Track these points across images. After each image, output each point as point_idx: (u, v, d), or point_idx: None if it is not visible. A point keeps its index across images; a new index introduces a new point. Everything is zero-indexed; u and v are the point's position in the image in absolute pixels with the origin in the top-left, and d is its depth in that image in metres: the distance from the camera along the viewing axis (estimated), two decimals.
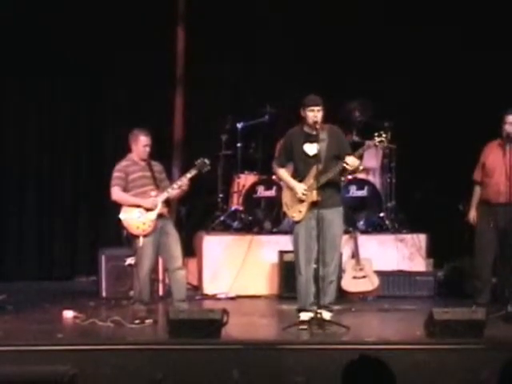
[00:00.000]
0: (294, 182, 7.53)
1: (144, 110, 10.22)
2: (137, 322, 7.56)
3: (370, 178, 10.01)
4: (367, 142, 7.72)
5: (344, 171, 7.62)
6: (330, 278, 7.42)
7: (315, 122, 7.35)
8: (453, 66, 10.22)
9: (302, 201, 7.43)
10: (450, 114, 10.21)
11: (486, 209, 8.02)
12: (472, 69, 10.07)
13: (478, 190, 8.15)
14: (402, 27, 10.31)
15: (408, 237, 9.59)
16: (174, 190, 7.78)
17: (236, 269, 9.26)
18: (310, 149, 7.43)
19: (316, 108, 7.37)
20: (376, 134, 7.55)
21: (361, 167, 7.66)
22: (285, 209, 7.71)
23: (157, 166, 7.95)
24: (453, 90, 10.19)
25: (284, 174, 7.69)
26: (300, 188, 7.44)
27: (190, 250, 9.65)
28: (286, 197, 7.63)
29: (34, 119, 10.66)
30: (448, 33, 10.23)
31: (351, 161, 7.33)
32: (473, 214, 8.15)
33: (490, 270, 7.98)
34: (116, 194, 7.76)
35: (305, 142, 7.46)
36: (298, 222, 7.47)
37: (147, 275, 7.73)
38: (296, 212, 7.46)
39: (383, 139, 7.53)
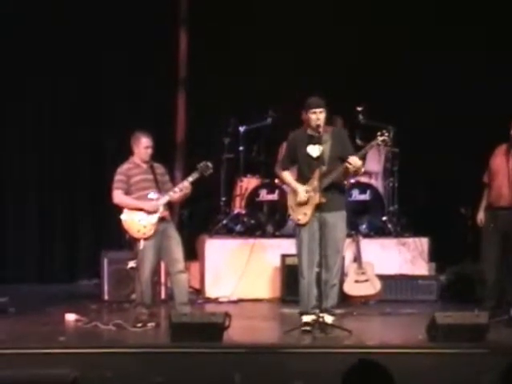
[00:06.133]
0: (296, 184, 7.51)
1: (146, 112, 10.22)
2: (139, 325, 7.55)
3: (373, 181, 10.01)
4: (370, 143, 7.66)
5: (347, 173, 7.57)
6: (333, 281, 7.39)
7: (318, 126, 7.33)
8: (456, 69, 10.21)
9: (306, 203, 7.41)
10: (453, 118, 10.20)
11: (490, 212, 8.02)
12: (477, 72, 10.06)
13: (486, 192, 8.14)
14: (405, 29, 10.31)
15: (410, 240, 9.59)
16: (176, 194, 7.77)
17: (238, 272, 9.26)
18: (314, 151, 7.40)
19: (318, 110, 7.34)
20: (379, 134, 7.49)
21: (362, 169, 7.61)
22: (290, 212, 7.66)
23: (159, 169, 7.94)
24: (456, 93, 10.19)
25: (287, 176, 7.66)
26: (302, 190, 7.42)
27: (193, 253, 9.64)
28: (291, 200, 7.60)
29: (34, 120, 10.66)
30: (451, 33, 10.22)
31: (354, 160, 7.26)
32: (480, 217, 8.13)
33: (496, 274, 7.95)
34: (118, 197, 7.76)
35: (308, 144, 7.43)
36: (303, 225, 7.44)
37: (149, 278, 7.72)
38: (301, 215, 7.42)
39: (386, 138, 7.49)
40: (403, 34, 10.29)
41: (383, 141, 7.51)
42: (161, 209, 7.69)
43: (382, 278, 9.09)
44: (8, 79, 10.29)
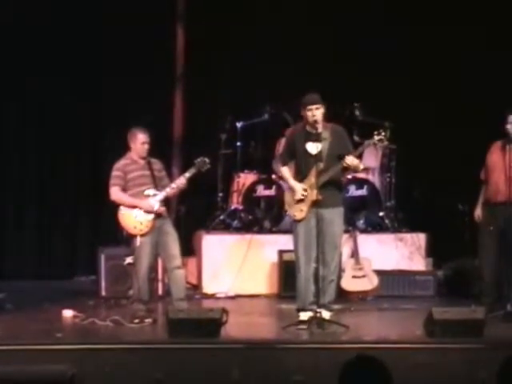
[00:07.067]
0: (293, 182, 7.52)
1: (144, 108, 10.21)
2: (136, 321, 7.55)
3: (370, 177, 10.01)
4: (366, 141, 7.70)
5: (345, 170, 7.61)
6: (330, 277, 7.40)
7: (315, 121, 7.32)
8: (454, 65, 10.22)
9: (303, 200, 7.41)
10: (451, 114, 10.21)
11: (488, 208, 8.02)
12: (474, 67, 10.07)
13: (483, 188, 8.14)
14: (402, 26, 10.32)
15: (407, 236, 9.59)
16: (173, 190, 7.77)
17: (235, 268, 9.26)
18: (312, 148, 7.39)
19: (314, 106, 7.33)
20: (375, 133, 7.53)
21: (361, 166, 7.63)
22: (287, 208, 7.69)
23: (156, 164, 7.93)
24: (454, 89, 10.19)
25: (286, 172, 7.66)
26: (299, 188, 7.42)
27: (190, 249, 9.64)
28: (288, 196, 7.62)
29: (34, 118, 10.66)
30: (449, 31, 10.22)
31: (350, 159, 7.32)
32: (478, 213, 8.14)
33: (493, 270, 7.95)
34: (115, 194, 7.75)
35: (307, 140, 7.42)
36: (299, 221, 7.45)
37: (146, 274, 7.72)
38: (298, 211, 7.44)
39: (382, 137, 7.51)
40: (403, 34, 10.29)
41: (379, 140, 7.53)
42: (157, 205, 7.69)
43: (379, 273, 9.09)
44: (8, 79, 10.27)
